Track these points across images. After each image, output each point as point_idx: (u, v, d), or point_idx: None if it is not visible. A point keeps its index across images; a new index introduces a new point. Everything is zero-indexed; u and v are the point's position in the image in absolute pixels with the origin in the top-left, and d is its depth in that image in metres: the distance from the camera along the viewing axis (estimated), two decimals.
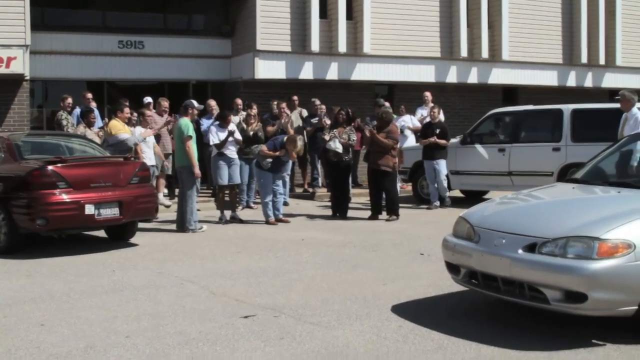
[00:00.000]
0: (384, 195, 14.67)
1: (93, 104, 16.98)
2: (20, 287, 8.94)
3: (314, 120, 17.74)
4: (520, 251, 6.32)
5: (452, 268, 7.18)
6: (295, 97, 18.51)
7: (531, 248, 6.28)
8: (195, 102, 13.61)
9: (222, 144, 14.14)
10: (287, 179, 17.06)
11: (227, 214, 14.35)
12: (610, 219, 6.19)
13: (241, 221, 14.30)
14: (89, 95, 16.91)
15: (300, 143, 14.09)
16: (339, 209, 15.02)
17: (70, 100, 16.17)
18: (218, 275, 9.41)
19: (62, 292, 8.58)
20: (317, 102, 18.10)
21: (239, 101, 17.45)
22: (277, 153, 13.92)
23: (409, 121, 18.72)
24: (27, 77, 18.02)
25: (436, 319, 7.13)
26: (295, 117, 17.75)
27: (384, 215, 14.62)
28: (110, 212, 11.12)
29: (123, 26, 20.60)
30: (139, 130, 14.19)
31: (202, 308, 7.71)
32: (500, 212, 7.25)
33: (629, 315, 6.05)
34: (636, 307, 5.99)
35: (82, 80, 19.65)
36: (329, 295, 8.19)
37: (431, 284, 8.54)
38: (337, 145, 14.74)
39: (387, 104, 17.51)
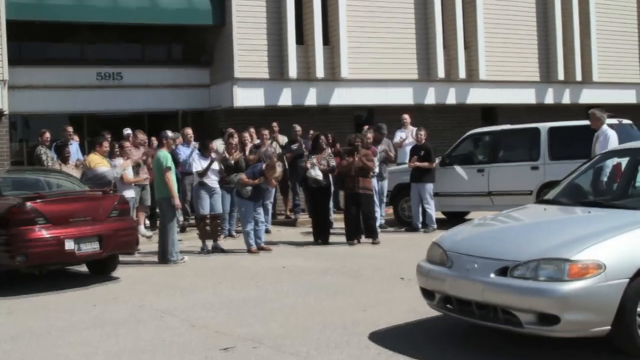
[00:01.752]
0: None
1: (75, 138, 17.04)
2: (1, 324, 8.92)
3: (294, 146, 17.78)
4: (492, 275, 6.38)
5: (427, 293, 7.23)
6: (275, 124, 18.56)
7: (503, 272, 6.34)
8: (169, 133, 13.68)
9: (205, 171, 14.19)
10: (270, 206, 17.15)
11: (209, 243, 14.36)
12: (580, 240, 6.25)
13: (223, 251, 14.30)
14: (70, 129, 16.92)
15: (279, 169, 14.15)
16: (321, 235, 15.06)
17: (48, 134, 16.15)
18: (199, 307, 9.42)
19: (43, 329, 8.58)
20: (298, 128, 18.16)
21: (231, 130, 17.45)
22: (257, 181, 13.95)
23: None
24: (6, 112, 18.00)
25: (414, 344, 7.18)
26: (275, 144, 17.76)
27: (364, 239, 14.67)
28: (91, 247, 11.11)
29: (101, 58, 20.67)
30: (119, 162, 14.21)
31: (182, 341, 7.72)
32: (472, 236, 7.31)
33: (603, 335, 6.11)
34: (609, 327, 6.05)
35: (62, 113, 19.64)
36: (309, 324, 8.21)
37: (411, 309, 8.57)
38: (317, 173, 14.81)
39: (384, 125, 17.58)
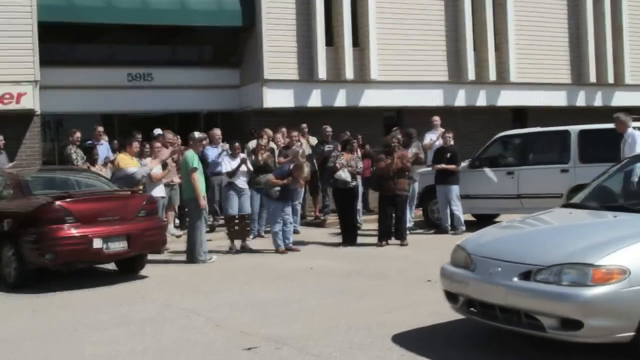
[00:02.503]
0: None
1: (104, 138, 17.16)
2: (28, 322, 9.04)
3: (324, 148, 17.74)
4: (515, 279, 6.34)
5: (451, 297, 7.21)
6: (304, 125, 18.59)
7: (526, 276, 6.31)
8: (197, 133, 13.75)
9: (234, 172, 14.25)
10: (299, 207, 17.18)
11: (238, 243, 14.42)
12: (605, 245, 6.20)
13: (251, 251, 14.36)
14: (100, 129, 17.09)
15: (307, 169, 14.18)
16: (348, 236, 15.07)
17: (78, 134, 16.33)
18: (224, 307, 9.46)
19: (69, 327, 8.66)
20: (328, 129, 18.13)
21: (270, 132, 17.54)
22: (285, 181, 13.99)
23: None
24: (38, 113, 18.19)
25: (437, 347, 7.17)
26: (304, 145, 17.78)
27: (393, 240, 14.66)
28: (119, 246, 11.21)
29: (132, 59, 20.80)
30: (148, 162, 14.30)
31: (206, 341, 7.76)
32: (496, 239, 7.28)
33: (627, 341, 6.04)
34: (633, 333, 5.99)
35: (93, 114, 19.76)
36: (333, 325, 8.21)
37: (436, 311, 8.52)
38: (346, 175, 14.81)
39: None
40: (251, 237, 15.68)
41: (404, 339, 7.48)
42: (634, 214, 7.00)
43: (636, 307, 5.97)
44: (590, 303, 5.92)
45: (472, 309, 6.91)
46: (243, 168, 14.47)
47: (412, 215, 16.78)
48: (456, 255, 7.27)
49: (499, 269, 6.51)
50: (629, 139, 12.43)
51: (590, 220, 7.38)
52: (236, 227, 14.58)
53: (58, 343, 7.94)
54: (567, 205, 8.03)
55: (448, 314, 8.12)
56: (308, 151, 17.69)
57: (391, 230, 14.78)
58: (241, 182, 14.39)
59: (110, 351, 7.50)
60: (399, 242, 14.61)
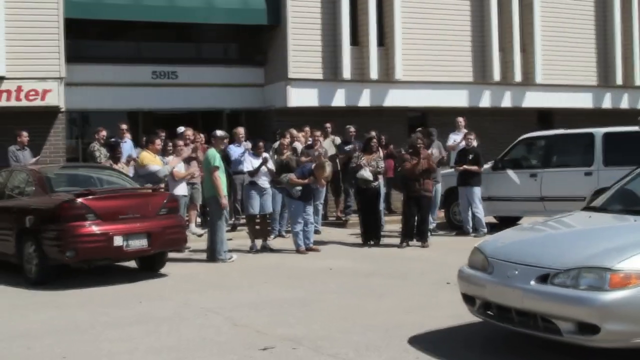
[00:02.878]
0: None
1: (127, 136, 17.20)
2: (48, 318, 9.08)
3: (348, 147, 17.69)
4: (532, 282, 6.29)
5: (468, 299, 7.16)
6: (328, 125, 18.55)
7: (543, 279, 6.25)
8: (218, 132, 13.77)
9: (256, 171, 14.23)
10: (320, 207, 17.15)
11: (258, 243, 14.41)
12: (624, 249, 6.13)
13: (272, 250, 14.36)
14: (124, 127, 17.14)
15: (328, 169, 14.16)
16: (371, 235, 15.03)
17: (104, 132, 16.41)
18: (243, 306, 9.45)
19: (88, 323, 8.70)
20: (352, 129, 18.07)
21: (294, 132, 17.57)
22: (306, 181, 13.97)
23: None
24: (63, 109, 18.30)
25: (454, 350, 7.13)
26: (328, 144, 17.75)
27: (414, 242, 14.61)
28: (139, 243, 11.24)
29: (157, 56, 20.86)
30: (170, 160, 14.34)
31: (223, 340, 7.76)
32: (514, 242, 7.22)
33: None
34: None
35: (118, 111, 19.81)
36: (351, 326, 8.18)
37: (454, 314, 8.46)
38: (367, 174, 14.76)
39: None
40: (272, 236, 15.68)
41: (420, 341, 7.43)
42: None
43: None
44: (607, 307, 5.85)
45: (489, 311, 6.85)
46: (265, 167, 14.41)
47: (434, 216, 16.70)
48: (474, 258, 7.22)
49: (516, 271, 6.45)
50: None
51: (609, 224, 7.29)
52: (257, 227, 14.57)
53: (76, 339, 7.96)
54: (587, 209, 7.94)
55: (467, 316, 8.05)
56: (331, 151, 17.67)
57: (414, 231, 14.71)
58: (263, 181, 14.36)
59: (127, 349, 7.50)
60: (420, 243, 14.53)
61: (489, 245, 7.23)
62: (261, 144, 14.75)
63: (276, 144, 16.50)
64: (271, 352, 7.25)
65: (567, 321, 6.04)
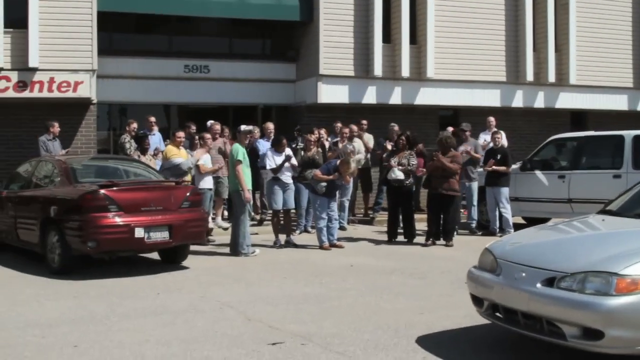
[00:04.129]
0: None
1: (156, 128, 17.31)
2: (66, 307, 9.17)
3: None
4: (538, 285, 6.22)
5: (476, 300, 7.11)
6: (365, 122, 18.41)
7: (550, 282, 6.18)
8: (243, 126, 13.81)
9: (279, 168, 14.23)
10: (347, 203, 17.11)
11: (282, 238, 14.43)
12: (632, 254, 6.03)
13: (295, 246, 14.36)
14: (152, 119, 17.24)
15: (353, 165, 14.15)
16: (395, 234, 15.00)
17: (135, 125, 16.53)
18: (259, 301, 9.48)
19: (104, 314, 8.77)
20: (396, 127, 17.89)
21: (339, 124, 17.62)
22: (331, 177, 13.96)
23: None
24: (94, 101, 18.48)
25: (463, 351, 7.09)
26: (358, 144, 17.59)
27: (441, 241, 14.54)
28: (160, 236, 11.31)
29: (189, 50, 21.01)
30: (197, 152, 14.41)
31: (234, 334, 7.78)
32: (524, 244, 7.15)
33: None
34: None
35: (149, 104, 19.99)
36: (363, 324, 8.17)
37: (468, 314, 8.39)
38: (397, 174, 14.71)
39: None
40: (297, 232, 15.72)
41: (430, 341, 7.40)
42: None
43: None
44: (612, 313, 5.76)
45: (497, 313, 6.80)
46: (288, 163, 14.40)
47: (473, 215, 16.52)
48: (483, 259, 7.17)
49: (524, 274, 6.39)
50: None
51: (621, 229, 7.17)
52: (281, 222, 14.60)
53: (89, 329, 8.03)
54: (602, 212, 7.83)
55: (478, 317, 7.98)
56: (361, 148, 17.52)
57: (439, 229, 14.65)
58: (286, 177, 14.35)
59: (138, 340, 7.56)
60: (444, 242, 14.48)
61: (498, 246, 7.17)
62: (284, 140, 14.71)
63: (299, 141, 16.36)
64: (280, 347, 7.26)
65: (572, 326, 5.96)
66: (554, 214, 15.89)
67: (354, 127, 17.56)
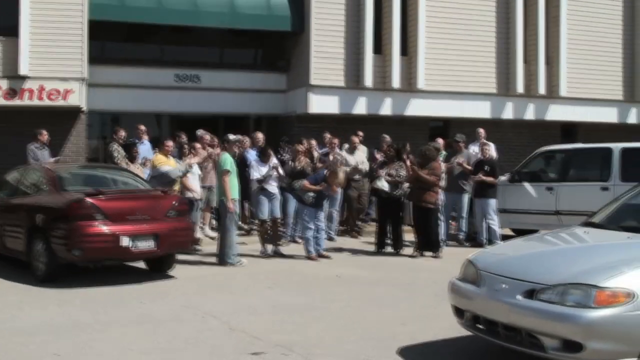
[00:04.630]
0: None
1: (145, 137, 17.30)
2: (49, 316, 9.16)
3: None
4: (519, 297, 6.24)
5: (458, 312, 7.12)
6: (361, 133, 18.24)
7: (530, 294, 6.19)
8: (231, 136, 13.80)
9: (264, 178, 14.22)
10: (335, 214, 17.11)
11: (269, 247, 14.42)
12: (612, 266, 6.06)
13: (282, 255, 14.34)
14: (142, 128, 17.21)
15: (341, 175, 14.14)
16: (385, 244, 15.01)
17: (123, 132, 16.47)
18: (243, 310, 9.48)
19: (87, 322, 8.76)
20: (387, 138, 17.84)
21: (328, 135, 17.67)
22: (318, 187, 13.96)
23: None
24: (84, 110, 18.48)
25: None
26: (360, 155, 17.47)
27: (429, 252, 14.55)
28: (146, 245, 11.29)
29: (180, 60, 21.04)
30: (187, 160, 14.40)
31: (216, 344, 7.79)
32: (506, 256, 7.18)
33: None
34: (636, 359, 5.83)
35: (140, 113, 19.96)
36: (346, 334, 8.18)
37: (452, 325, 8.33)
38: (383, 184, 14.74)
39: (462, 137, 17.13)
40: (285, 242, 15.70)
41: (411, 352, 7.43)
42: None
43: None
44: (591, 325, 5.78)
45: (478, 325, 6.80)
46: (274, 173, 14.40)
47: (464, 227, 16.45)
48: (466, 270, 7.19)
49: (504, 285, 6.41)
50: None
51: (603, 241, 7.19)
52: (269, 232, 14.59)
53: (71, 338, 8.02)
54: (586, 224, 7.85)
55: (463, 329, 8.03)
56: (352, 160, 17.44)
57: (424, 241, 14.65)
58: (272, 186, 14.34)
59: (120, 349, 7.57)
60: (432, 253, 14.48)
61: (481, 258, 7.19)
62: (270, 151, 14.70)
63: (285, 151, 16.35)
64: (261, 357, 7.27)
65: (552, 338, 5.98)
66: (542, 226, 15.89)
67: (355, 139, 17.52)
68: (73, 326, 8.58)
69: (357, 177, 17.07)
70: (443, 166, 15.57)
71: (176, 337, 8.06)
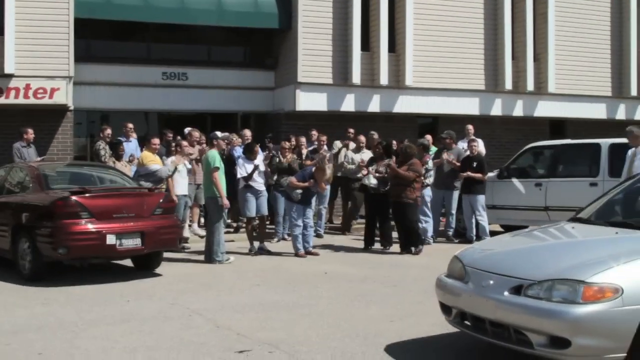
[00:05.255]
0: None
1: (133, 135, 17.21)
2: (34, 315, 9.08)
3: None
4: (505, 293, 6.17)
5: (445, 308, 7.06)
6: (352, 130, 18.28)
7: (517, 290, 6.13)
8: (219, 133, 13.74)
9: (249, 176, 14.15)
10: (324, 211, 17.09)
11: (256, 244, 14.36)
12: (599, 262, 6.00)
13: (269, 252, 14.30)
14: (130, 126, 17.12)
15: (329, 172, 14.09)
16: (372, 241, 14.97)
17: (109, 130, 16.41)
18: (229, 308, 9.42)
19: (72, 321, 8.69)
20: (375, 135, 17.75)
21: (314, 132, 17.71)
22: (306, 184, 13.90)
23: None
24: (71, 108, 18.38)
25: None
26: (367, 154, 17.09)
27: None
28: (132, 243, 11.23)
29: (167, 58, 20.91)
30: (171, 159, 14.30)
31: (201, 341, 7.72)
32: (493, 252, 7.12)
33: None
34: (624, 354, 5.78)
35: (127, 111, 19.86)
36: (332, 332, 8.12)
37: (439, 322, 8.27)
38: (371, 181, 14.71)
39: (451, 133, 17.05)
40: (275, 240, 15.65)
41: (398, 350, 7.36)
42: (636, 231, 6.77)
43: (628, 327, 5.75)
44: (578, 321, 5.71)
45: (465, 321, 6.74)
46: (260, 169, 14.33)
47: (453, 224, 16.41)
48: (452, 266, 7.13)
49: (491, 281, 6.35)
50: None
51: (590, 236, 7.13)
52: (256, 229, 14.53)
53: (56, 337, 7.94)
54: (573, 220, 7.81)
55: (449, 325, 7.99)
56: (358, 159, 17.28)
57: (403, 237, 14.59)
58: (258, 184, 14.28)
59: (104, 347, 7.49)
60: (404, 250, 14.42)
61: (468, 254, 7.13)
62: (256, 148, 14.64)
63: (271, 148, 16.32)
64: (247, 355, 7.21)
65: (539, 334, 5.91)
66: (531, 222, 15.80)
67: (362, 138, 17.44)
68: (57, 324, 8.51)
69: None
70: (430, 163, 15.54)
71: (161, 336, 7.99)
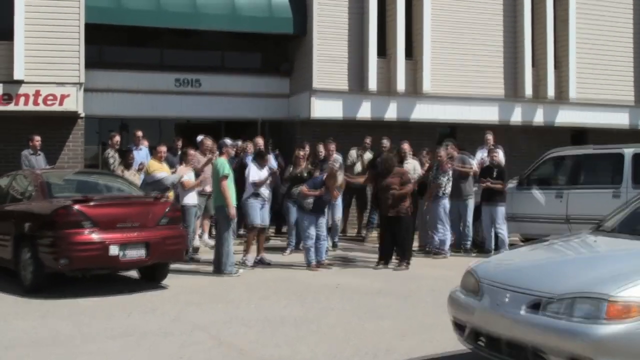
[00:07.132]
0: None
1: (145, 143, 16.88)
2: (31, 328, 8.74)
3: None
4: (523, 310, 5.74)
5: (458, 326, 6.61)
6: (368, 140, 17.81)
7: (535, 307, 5.70)
8: (229, 141, 13.38)
9: (263, 182, 13.78)
10: (339, 222, 16.61)
11: (252, 256, 13.89)
12: (624, 276, 5.55)
13: (268, 264, 13.84)
14: (139, 134, 16.82)
15: (340, 178, 13.66)
16: (399, 255, 14.45)
17: (118, 138, 16.11)
18: (235, 322, 9.03)
19: (69, 335, 8.35)
20: (386, 143, 17.17)
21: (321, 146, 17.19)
22: (317, 192, 13.47)
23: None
24: (82, 115, 18.07)
25: None
26: (412, 164, 16.39)
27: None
28: (136, 254, 10.84)
29: (180, 64, 20.60)
30: (181, 168, 13.95)
31: (201, 358, 7.32)
32: (509, 265, 6.67)
33: None
34: None
35: (139, 118, 19.57)
36: (341, 349, 7.72)
37: (452, 337, 7.79)
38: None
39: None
40: (288, 251, 15.25)
41: None
42: None
43: None
44: (602, 342, 5.28)
45: (479, 340, 6.28)
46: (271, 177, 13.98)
47: (470, 235, 15.87)
48: (466, 280, 6.67)
49: (507, 297, 5.91)
50: None
51: (614, 248, 6.68)
52: (259, 238, 14.07)
53: (50, 351, 7.60)
54: (595, 231, 7.34)
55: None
56: (416, 168, 16.78)
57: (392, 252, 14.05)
58: (265, 191, 13.91)
59: None
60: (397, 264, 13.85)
61: (482, 267, 6.68)
62: (268, 156, 14.25)
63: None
64: None
65: (559, 355, 5.47)
66: (552, 233, 15.35)
67: (406, 147, 16.55)
68: (53, 339, 8.17)
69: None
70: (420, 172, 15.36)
71: (159, 352, 7.62)
